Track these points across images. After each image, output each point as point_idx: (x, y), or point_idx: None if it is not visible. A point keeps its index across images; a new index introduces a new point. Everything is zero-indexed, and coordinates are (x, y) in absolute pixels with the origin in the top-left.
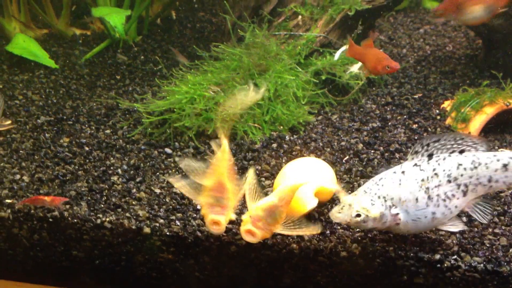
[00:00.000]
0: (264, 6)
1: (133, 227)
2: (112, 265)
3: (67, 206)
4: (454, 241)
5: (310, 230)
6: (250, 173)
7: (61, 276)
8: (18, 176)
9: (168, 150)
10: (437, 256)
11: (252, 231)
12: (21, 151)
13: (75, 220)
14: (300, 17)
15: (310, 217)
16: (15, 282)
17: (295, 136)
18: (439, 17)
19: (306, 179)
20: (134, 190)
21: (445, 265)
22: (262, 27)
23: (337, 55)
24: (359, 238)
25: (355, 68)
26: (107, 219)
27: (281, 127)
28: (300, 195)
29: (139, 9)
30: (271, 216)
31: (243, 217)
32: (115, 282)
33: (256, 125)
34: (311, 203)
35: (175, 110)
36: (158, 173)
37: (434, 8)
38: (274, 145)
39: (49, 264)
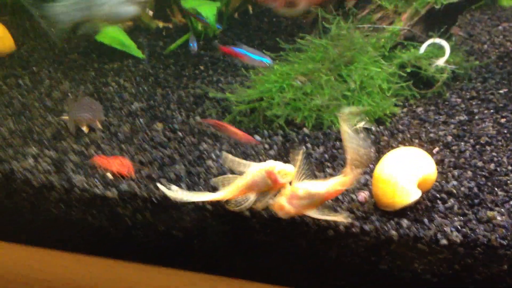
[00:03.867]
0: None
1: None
2: (219, 246)
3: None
4: None
5: (340, 218)
6: (300, 154)
7: (159, 255)
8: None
9: (257, 137)
10: None
11: (283, 207)
12: (119, 134)
13: (177, 201)
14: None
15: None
16: (113, 260)
17: (381, 127)
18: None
19: (411, 168)
20: (230, 174)
21: None
22: (346, 20)
23: (422, 48)
24: (459, 227)
25: (441, 61)
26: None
27: (367, 118)
28: (403, 184)
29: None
30: (310, 201)
31: (284, 190)
32: (210, 262)
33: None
34: (414, 195)
35: (263, 98)
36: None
37: None
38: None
39: (148, 244)
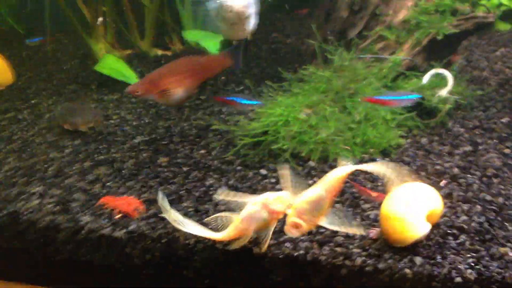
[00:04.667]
0: (349, 30)
1: (245, 247)
2: (229, 285)
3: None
4: None
5: (354, 230)
6: (284, 171)
7: None
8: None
9: (263, 171)
10: None
11: (297, 223)
12: (123, 171)
13: (187, 241)
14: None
15: None
16: None
17: (387, 159)
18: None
19: (417, 203)
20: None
21: None
22: (347, 50)
23: (425, 78)
24: (472, 264)
25: (445, 92)
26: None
27: (372, 149)
28: (411, 220)
29: None
30: (316, 208)
31: (287, 211)
32: None
33: (347, 147)
34: (424, 229)
35: (269, 132)
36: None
37: (129, 88)
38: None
39: (158, 283)
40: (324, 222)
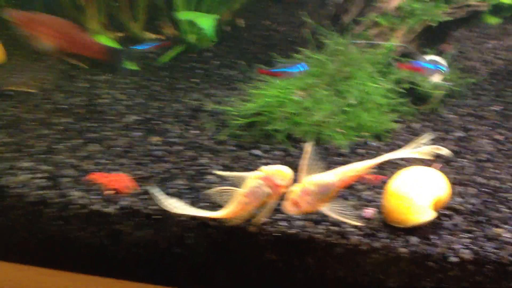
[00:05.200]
0: (343, 16)
1: (239, 226)
2: (215, 264)
3: None
4: None
5: (352, 221)
6: (307, 148)
7: (159, 274)
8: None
9: (257, 152)
10: None
11: (298, 202)
12: (117, 148)
13: (181, 218)
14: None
15: None
16: (116, 280)
17: (381, 143)
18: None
19: (427, 188)
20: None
21: None
22: (342, 35)
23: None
24: (468, 244)
25: (437, 78)
26: None
27: (365, 133)
28: (419, 203)
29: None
30: (323, 193)
31: (293, 188)
32: (215, 281)
33: (341, 130)
34: (429, 214)
35: (263, 113)
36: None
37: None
38: (361, 151)
39: (148, 262)
40: (325, 208)
